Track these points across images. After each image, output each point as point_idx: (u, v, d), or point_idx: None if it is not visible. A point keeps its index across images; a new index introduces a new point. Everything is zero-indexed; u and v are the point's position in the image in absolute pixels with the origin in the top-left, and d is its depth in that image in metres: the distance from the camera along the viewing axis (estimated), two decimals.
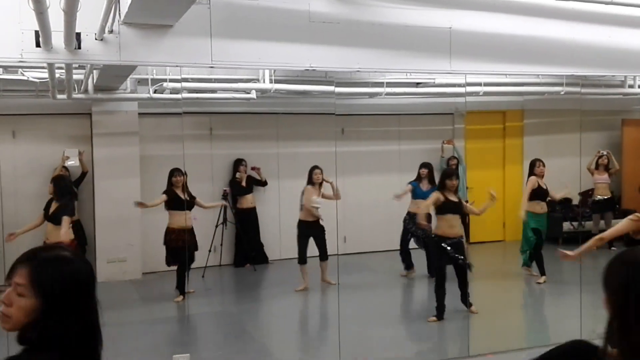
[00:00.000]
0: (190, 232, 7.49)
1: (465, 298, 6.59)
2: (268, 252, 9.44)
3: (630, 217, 4.62)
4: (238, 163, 9.11)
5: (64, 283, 1.59)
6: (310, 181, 7.88)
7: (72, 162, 8.23)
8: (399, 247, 8.43)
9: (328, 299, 7.80)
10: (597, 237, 4.82)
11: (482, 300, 7.18)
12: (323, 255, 7.95)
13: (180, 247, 7.25)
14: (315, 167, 7.91)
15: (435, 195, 6.58)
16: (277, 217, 9.46)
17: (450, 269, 6.55)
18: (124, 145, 8.51)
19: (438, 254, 6.56)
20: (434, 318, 6.48)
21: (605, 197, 9.75)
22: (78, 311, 1.59)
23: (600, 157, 9.61)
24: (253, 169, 9.21)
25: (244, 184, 9.07)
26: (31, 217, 8.28)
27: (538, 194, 7.92)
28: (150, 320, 6.96)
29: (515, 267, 8.62)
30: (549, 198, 8.20)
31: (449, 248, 6.41)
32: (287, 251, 9.43)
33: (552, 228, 8.91)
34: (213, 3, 4.53)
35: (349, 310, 6.83)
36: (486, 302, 7.36)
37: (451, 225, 6.50)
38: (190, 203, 7.54)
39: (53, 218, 6.51)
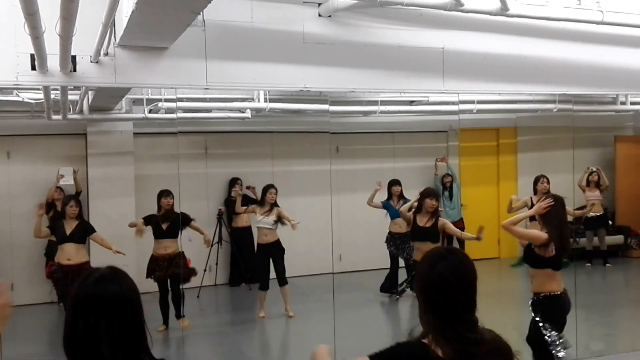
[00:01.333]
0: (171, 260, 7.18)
1: None
2: None
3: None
4: (233, 182, 9.11)
5: None
6: (262, 201, 7.54)
7: (67, 181, 8.22)
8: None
9: (324, 319, 7.77)
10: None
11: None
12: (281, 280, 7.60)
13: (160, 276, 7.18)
14: (271, 185, 7.60)
15: (409, 215, 6.43)
16: None
17: None
18: (119, 164, 8.52)
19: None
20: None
21: (598, 214, 9.76)
22: None
23: (590, 174, 9.60)
24: (248, 188, 9.21)
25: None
26: (26, 236, 8.31)
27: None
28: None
29: (511, 284, 8.62)
30: None
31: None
32: None
33: None
34: (208, 25, 4.57)
35: (345, 330, 6.80)
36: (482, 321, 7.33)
37: (423, 252, 6.34)
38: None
39: (75, 237, 6.54)
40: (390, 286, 8.36)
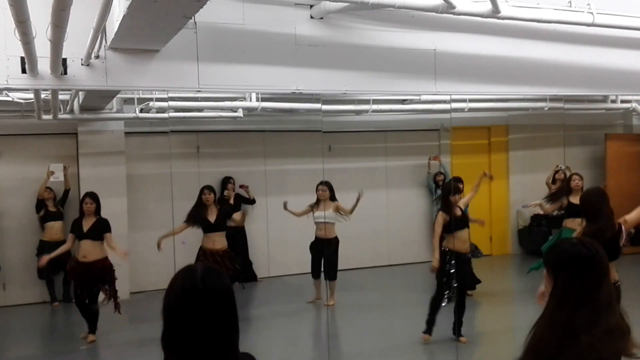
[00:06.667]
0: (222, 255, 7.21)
1: (459, 327, 6.36)
2: (257, 269, 9.42)
3: None
4: (226, 181, 9.10)
5: None
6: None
7: (57, 178, 8.18)
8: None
9: (318, 318, 7.79)
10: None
11: (475, 322, 7.16)
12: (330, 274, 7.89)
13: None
14: (320, 182, 7.89)
15: (441, 218, 6.29)
16: (266, 234, 9.46)
17: None
18: (111, 164, 8.48)
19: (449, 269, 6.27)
20: (427, 336, 6.28)
21: (562, 212, 9.59)
22: None
23: (557, 171, 9.45)
24: (241, 187, 9.21)
25: (232, 202, 9.05)
26: (17, 236, 8.28)
27: (571, 211, 7.72)
28: (139, 341, 6.90)
29: (504, 283, 8.64)
30: None
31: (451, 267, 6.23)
32: (275, 269, 9.45)
33: (539, 242, 8.95)
34: (199, 27, 4.55)
35: (339, 329, 6.84)
36: (479, 324, 7.35)
37: (463, 241, 6.31)
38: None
39: (91, 234, 6.52)
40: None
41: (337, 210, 7.83)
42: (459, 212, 6.39)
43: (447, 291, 6.33)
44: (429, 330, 6.30)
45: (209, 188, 7.34)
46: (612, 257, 4.62)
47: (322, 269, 7.87)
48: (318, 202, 7.87)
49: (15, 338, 7.25)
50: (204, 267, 1.88)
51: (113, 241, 6.59)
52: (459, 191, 6.54)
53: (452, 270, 6.23)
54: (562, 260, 2.11)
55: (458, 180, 6.72)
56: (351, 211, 7.78)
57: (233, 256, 7.39)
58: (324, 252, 7.79)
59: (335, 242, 7.88)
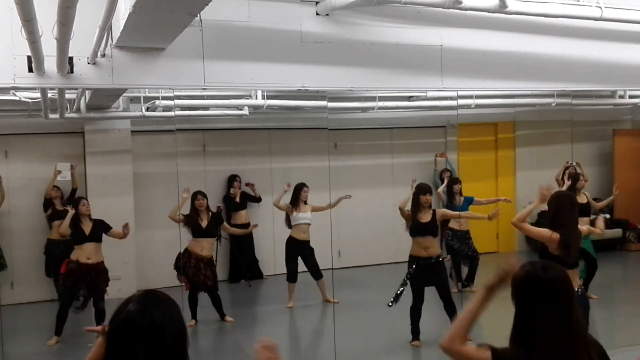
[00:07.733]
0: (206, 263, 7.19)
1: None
2: (263, 267, 9.43)
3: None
4: (232, 179, 9.11)
5: None
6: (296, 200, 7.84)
7: (65, 177, 8.19)
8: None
9: (324, 316, 7.79)
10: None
11: (481, 318, 7.12)
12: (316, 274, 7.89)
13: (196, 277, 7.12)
14: (303, 184, 7.89)
15: (406, 212, 6.30)
16: (272, 232, 9.45)
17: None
18: (117, 163, 8.50)
19: (412, 275, 6.25)
20: (417, 342, 6.27)
21: None
22: None
23: (567, 167, 9.35)
24: (247, 185, 9.21)
25: (237, 200, 9.06)
26: (25, 235, 8.31)
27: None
28: None
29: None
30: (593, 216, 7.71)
31: (412, 270, 6.21)
32: (281, 267, 9.41)
33: None
34: (205, 25, 4.55)
35: (345, 327, 6.82)
36: (485, 320, 7.31)
37: (424, 247, 6.23)
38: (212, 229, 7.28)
39: (94, 237, 6.58)
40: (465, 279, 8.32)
41: (314, 210, 7.85)
42: (427, 218, 6.27)
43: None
44: (416, 337, 6.30)
45: (202, 194, 7.33)
46: (574, 265, 4.59)
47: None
48: (298, 203, 7.82)
49: (23, 336, 7.28)
50: (142, 298, 1.80)
51: (120, 232, 6.67)
52: (430, 192, 6.41)
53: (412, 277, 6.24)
54: (526, 284, 2.10)
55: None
56: (330, 207, 7.74)
57: (215, 265, 7.40)
58: (303, 254, 7.82)
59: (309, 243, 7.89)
